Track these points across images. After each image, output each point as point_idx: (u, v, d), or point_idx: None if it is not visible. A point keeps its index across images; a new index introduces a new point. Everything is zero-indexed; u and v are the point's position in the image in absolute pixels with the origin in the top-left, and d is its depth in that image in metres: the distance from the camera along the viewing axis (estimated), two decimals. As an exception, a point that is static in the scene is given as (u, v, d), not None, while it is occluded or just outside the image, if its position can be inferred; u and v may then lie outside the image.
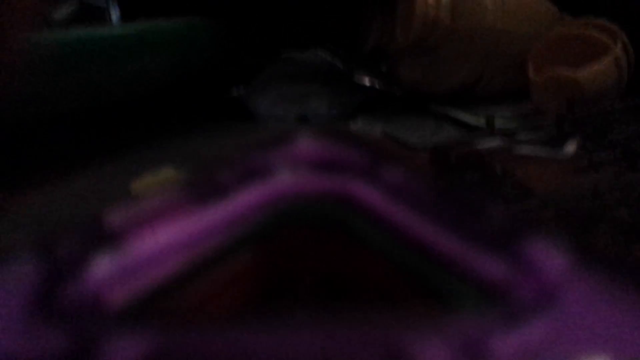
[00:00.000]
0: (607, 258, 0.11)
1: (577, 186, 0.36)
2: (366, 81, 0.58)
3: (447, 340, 0.09)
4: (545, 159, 0.50)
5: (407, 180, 0.15)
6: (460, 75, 0.55)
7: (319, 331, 0.09)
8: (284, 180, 0.17)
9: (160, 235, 0.14)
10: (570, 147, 0.52)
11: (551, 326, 0.10)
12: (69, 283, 0.12)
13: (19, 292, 0.11)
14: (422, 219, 0.14)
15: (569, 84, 0.48)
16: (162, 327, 0.10)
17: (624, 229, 0.31)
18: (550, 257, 0.11)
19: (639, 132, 0.43)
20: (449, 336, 0.09)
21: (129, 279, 0.13)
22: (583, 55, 0.49)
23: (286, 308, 0.12)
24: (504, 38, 0.54)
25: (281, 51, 0.64)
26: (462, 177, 0.44)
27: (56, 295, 0.11)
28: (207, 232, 0.15)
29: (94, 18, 0.59)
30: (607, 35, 0.49)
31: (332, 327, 0.10)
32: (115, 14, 0.60)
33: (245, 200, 0.16)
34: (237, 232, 0.16)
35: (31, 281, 0.12)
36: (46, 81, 0.35)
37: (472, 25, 0.53)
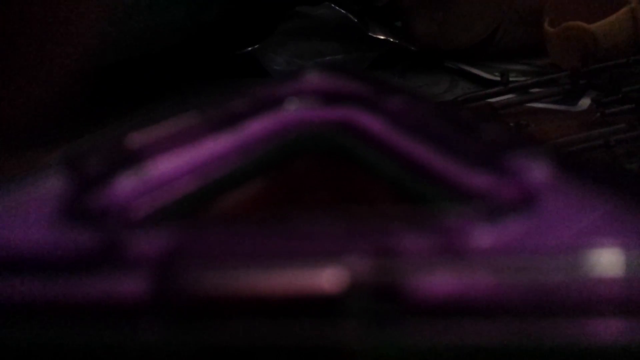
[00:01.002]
0: (592, 169, 0.12)
1: (588, 138, 0.37)
2: (381, 36, 0.58)
3: (426, 232, 0.10)
4: (558, 112, 0.50)
5: (408, 107, 0.16)
6: (476, 30, 0.55)
7: (313, 227, 0.11)
8: (293, 110, 0.18)
9: (177, 158, 0.15)
10: (584, 101, 0.52)
11: (530, 224, 0.11)
12: (95, 194, 0.13)
13: (49, 200, 0.13)
14: (418, 140, 0.15)
15: (584, 36, 0.48)
16: (183, 226, 0.11)
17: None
18: (533, 167, 0.12)
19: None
20: (429, 228, 0.10)
21: (149, 195, 0.14)
22: (599, 8, 0.48)
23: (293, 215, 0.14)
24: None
25: (295, 6, 0.64)
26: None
27: (83, 203, 0.13)
28: (219, 158, 0.16)
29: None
30: (623, -14, 0.48)
31: (325, 225, 0.11)
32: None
33: (255, 129, 0.17)
34: (248, 158, 0.17)
35: (60, 191, 0.13)
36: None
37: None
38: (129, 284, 0.10)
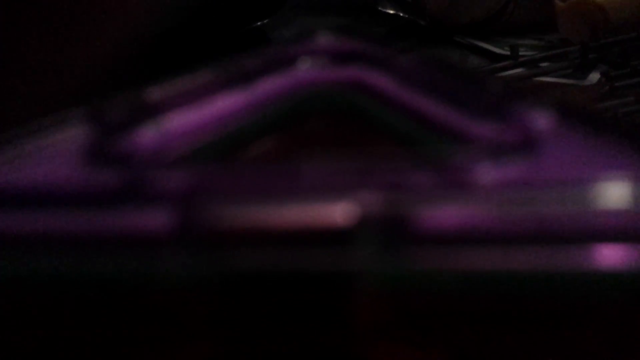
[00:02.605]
0: (593, 117, 0.13)
1: (596, 111, 0.37)
2: (391, 11, 0.58)
3: (433, 169, 0.11)
4: (568, 86, 0.51)
5: (415, 65, 0.16)
6: (486, 5, 0.55)
7: (326, 167, 0.11)
8: (305, 70, 0.18)
9: (192, 113, 0.16)
10: (594, 75, 0.52)
11: (532, 163, 0.11)
12: (118, 140, 0.14)
13: (75, 143, 0.13)
14: (426, 96, 0.15)
15: (594, 11, 0.48)
16: (203, 166, 0.12)
17: None
18: (536, 115, 0.13)
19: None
20: (436, 166, 0.11)
21: (166, 146, 0.15)
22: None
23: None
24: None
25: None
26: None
27: (107, 147, 0.13)
28: (233, 114, 0.17)
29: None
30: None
31: (336, 164, 0.11)
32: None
33: (268, 87, 0.18)
34: (260, 115, 0.18)
35: (86, 136, 0.14)
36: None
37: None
38: (152, 219, 0.11)
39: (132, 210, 0.11)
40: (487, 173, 0.11)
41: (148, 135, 0.15)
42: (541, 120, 0.13)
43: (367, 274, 0.10)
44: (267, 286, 0.11)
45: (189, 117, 0.16)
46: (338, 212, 0.11)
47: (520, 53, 0.46)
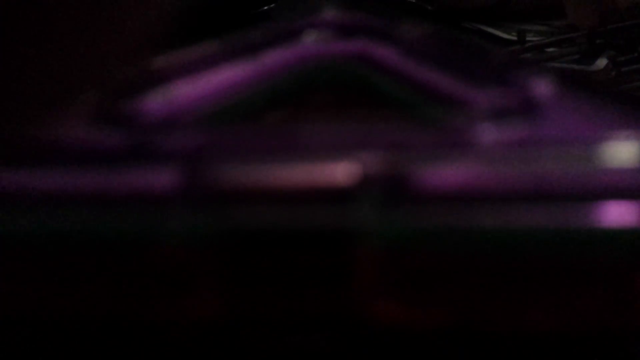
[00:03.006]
0: (593, 86, 0.13)
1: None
2: (398, -4, 0.58)
3: (434, 129, 0.11)
4: (575, 72, 0.50)
5: (420, 36, 0.16)
6: (493, -11, 0.54)
7: (329, 128, 0.12)
8: (310, 43, 0.18)
9: (198, 83, 0.16)
10: (601, 61, 0.52)
11: (533, 126, 0.11)
12: (126, 105, 0.14)
13: (85, 106, 0.14)
14: (430, 66, 0.15)
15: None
16: (209, 128, 0.12)
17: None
18: (537, 82, 0.13)
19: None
20: (437, 127, 0.11)
21: (174, 110, 0.15)
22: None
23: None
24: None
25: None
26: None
27: (116, 111, 0.14)
28: (238, 85, 0.17)
29: None
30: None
31: (339, 126, 0.12)
32: None
33: (274, 59, 0.18)
34: (266, 87, 0.18)
35: (96, 101, 0.14)
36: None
37: None
38: (159, 178, 0.12)
39: (140, 169, 0.11)
40: (487, 134, 0.11)
41: (157, 101, 0.15)
42: (542, 85, 0.13)
43: (368, 232, 0.10)
44: (270, 243, 0.11)
45: (196, 86, 0.16)
46: (340, 171, 0.11)
47: (528, 38, 0.46)
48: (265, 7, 0.67)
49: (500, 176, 0.10)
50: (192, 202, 0.11)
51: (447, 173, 0.10)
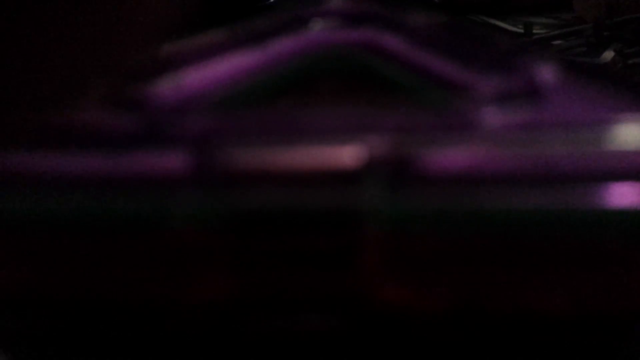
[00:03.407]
0: (597, 72, 0.13)
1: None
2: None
3: (439, 113, 0.11)
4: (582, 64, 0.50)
5: (425, 24, 0.17)
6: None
7: (335, 113, 0.12)
8: (317, 31, 0.19)
9: (207, 69, 0.17)
10: (608, 54, 0.52)
11: (537, 109, 0.12)
12: (138, 90, 0.14)
13: (101, 93, 0.14)
14: (436, 54, 0.16)
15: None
16: (219, 113, 0.13)
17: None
18: (541, 68, 0.13)
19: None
20: (442, 111, 0.11)
21: (184, 95, 0.16)
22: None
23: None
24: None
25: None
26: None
27: (129, 94, 0.14)
28: (246, 71, 0.18)
29: None
30: None
31: (345, 110, 0.12)
32: None
33: (281, 47, 0.18)
34: (273, 74, 0.18)
35: (110, 87, 0.14)
36: None
37: None
38: (171, 160, 0.12)
39: (151, 152, 0.12)
40: (492, 117, 0.12)
41: (168, 86, 0.15)
42: (547, 71, 0.13)
43: (375, 213, 0.11)
44: (277, 225, 0.11)
45: (207, 73, 0.17)
46: (346, 154, 0.11)
47: (535, 31, 0.46)
48: (271, 0, 0.67)
49: (504, 158, 0.11)
50: (202, 184, 0.11)
51: (452, 155, 0.11)
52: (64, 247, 0.17)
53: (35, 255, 0.18)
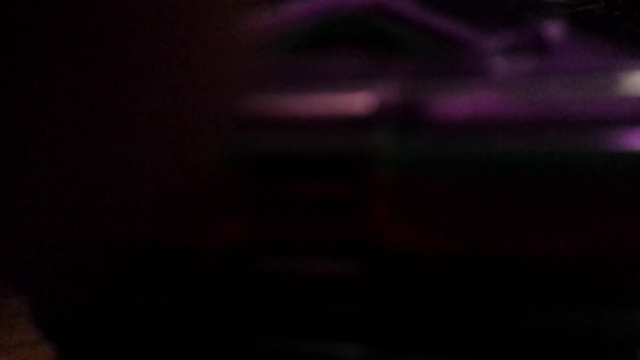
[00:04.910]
0: (605, 28, 0.13)
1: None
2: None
3: (448, 61, 0.12)
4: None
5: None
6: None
7: (347, 63, 0.12)
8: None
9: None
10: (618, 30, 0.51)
11: (545, 60, 0.12)
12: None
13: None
14: (445, 15, 0.16)
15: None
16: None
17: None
18: (549, 25, 0.13)
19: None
20: (451, 60, 0.12)
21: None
22: None
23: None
24: None
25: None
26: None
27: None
28: (260, 34, 0.18)
29: None
30: None
31: (356, 60, 0.12)
32: None
33: (293, 10, 0.19)
34: (285, 37, 0.18)
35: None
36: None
37: None
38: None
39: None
40: (499, 66, 0.12)
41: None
42: (553, 27, 0.13)
43: (384, 157, 0.11)
44: (292, 169, 0.12)
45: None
46: (357, 101, 0.11)
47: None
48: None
49: (511, 104, 0.11)
50: (217, 129, 0.12)
51: (460, 101, 0.11)
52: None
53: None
